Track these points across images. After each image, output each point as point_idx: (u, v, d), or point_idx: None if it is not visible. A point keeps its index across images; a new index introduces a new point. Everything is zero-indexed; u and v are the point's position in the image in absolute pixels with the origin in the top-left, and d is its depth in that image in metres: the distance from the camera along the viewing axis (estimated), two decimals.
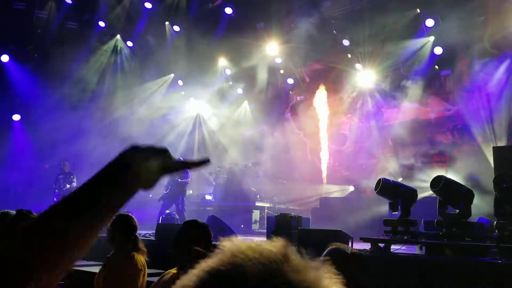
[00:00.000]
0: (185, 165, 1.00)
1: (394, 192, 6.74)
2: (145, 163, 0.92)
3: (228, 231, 8.82)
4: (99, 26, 16.51)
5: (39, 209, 9.82)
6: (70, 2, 16.03)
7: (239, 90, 18.39)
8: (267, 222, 9.15)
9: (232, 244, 0.69)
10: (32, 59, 16.29)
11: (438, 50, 13.39)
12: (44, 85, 15.94)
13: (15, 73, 16.01)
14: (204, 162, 1.00)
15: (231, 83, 18.12)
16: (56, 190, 13.65)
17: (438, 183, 6.30)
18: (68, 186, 13.47)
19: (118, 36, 17.17)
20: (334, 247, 2.44)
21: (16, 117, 16.27)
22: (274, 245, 0.69)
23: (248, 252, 0.65)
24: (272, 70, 17.14)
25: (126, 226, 3.94)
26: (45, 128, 14.79)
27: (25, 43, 16.18)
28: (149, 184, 0.94)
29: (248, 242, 0.69)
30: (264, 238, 8.48)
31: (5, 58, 15.73)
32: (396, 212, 6.67)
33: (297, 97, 17.24)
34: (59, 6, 16.03)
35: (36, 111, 15.84)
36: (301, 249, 0.72)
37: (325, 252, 2.33)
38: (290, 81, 17.44)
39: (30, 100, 16.17)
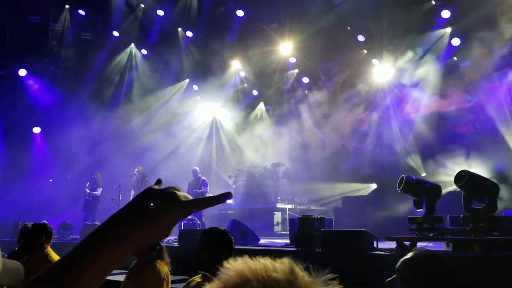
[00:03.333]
0: (205, 204, 0.86)
1: (417, 189, 6.60)
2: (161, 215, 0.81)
3: (250, 235, 8.77)
4: (113, 35, 16.70)
5: (63, 219, 9.91)
6: (84, 13, 16.25)
7: (254, 92, 18.37)
8: (289, 224, 9.08)
9: (237, 271, 0.69)
10: (48, 72, 16.54)
11: (456, 41, 13.17)
12: (62, 97, 16.19)
13: (33, 87, 16.26)
14: (226, 195, 0.87)
15: (245, 85, 18.11)
16: (87, 198, 13.45)
17: (462, 178, 6.15)
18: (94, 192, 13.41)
19: (133, 45, 17.32)
20: (426, 254, 1.93)
21: (37, 130, 16.51)
22: (280, 270, 0.69)
23: (253, 283, 0.66)
24: (287, 70, 17.08)
25: None
26: (65, 139, 14.99)
27: (41, 56, 16.43)
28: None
29: (255, 267, 0.69)
30: (287, 241, 8.42)
31: (22, 72, 15.99)
32: (421, 209, 6.53)
33: (314, 96, 17.11)
34: (73, 18, 16.26)
35: (55, 123, 16.08)
36: (310, 266, 0.73)
37: (412, 259, 1.88)
38: (306, 80, 17.34)
39: (49, 112, 16.43)
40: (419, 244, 6.22)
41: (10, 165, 15.28)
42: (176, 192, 0.84)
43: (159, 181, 0.90)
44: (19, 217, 12.12)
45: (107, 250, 0.77)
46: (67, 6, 16.10)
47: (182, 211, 0.82)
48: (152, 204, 0.81)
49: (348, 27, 14.55)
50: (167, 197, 0.82)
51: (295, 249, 6.89)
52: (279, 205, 13.62)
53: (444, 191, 7.14)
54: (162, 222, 0.80)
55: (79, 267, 0.75)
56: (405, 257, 1.92)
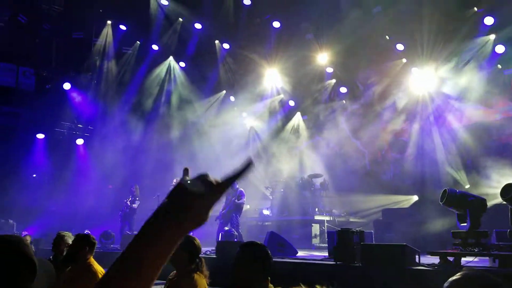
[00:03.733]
0: (230, 181, 0.95)
1: (461, 202, 6.36)
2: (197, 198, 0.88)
3: (288, 247, 8.69)
4: (153, 49, 17.14)
5: (104, 229, 10.14)
6: (125, 28, 16.76)
7: (291, 102, 18.33)
8: (328, 237, 8.94)
9: None
10: (91, 85, 17.13)
11: (500, 49, 12.72)
12: (104, 109, 16.69)
13: (76, 100, 16.83)
14: (248, 165, 0.96)
15: (282, 95, 18.09)
16: (125, 210, 13.63)
17: (509, 191, 5.88)
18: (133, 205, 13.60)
19: (171, 58, 17.69)
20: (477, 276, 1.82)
21: (80, 141, 17.05)
22: None
23: None
24: (324, 80, 16.97)
25: (192, 248, 3.90)
26: (106, 150, 15.39)
27: (84, 70, 17.05)
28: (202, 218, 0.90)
29: None
30: (325, 254, 8.29)
31: (67, 86, 16.58)
32: (465, 224, 6.29)
33: (351, 106, 16.89)
34: (115, 33, 16.81)
35: (97, 134, 16.57)
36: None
37: (462, 280, 1.77)
38: (343, 90, 17.16)
39: (91, 124, 16.96)
40: (463, 260, 5.99)
41: (55, 176, 15.80)
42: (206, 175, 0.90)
43: (185, 171, 0.95)
44: (62, 227, 12.47)
45: (155, 241, 0.85)
46: (109, 22, 16.67)
47: (215, 190, 0.89)
48: (187, 189, 0.87)
49: (387, 36, 14.31)
50: (198, 181, 0.89)
51: (334, 263, 6.77)
52: (317, 217, 13.43)
53: (489, 204, 6.86)
54: (199, 205, 0.87)
55: (134, 259, 0.85)
56: (454, 278, 1.83)
